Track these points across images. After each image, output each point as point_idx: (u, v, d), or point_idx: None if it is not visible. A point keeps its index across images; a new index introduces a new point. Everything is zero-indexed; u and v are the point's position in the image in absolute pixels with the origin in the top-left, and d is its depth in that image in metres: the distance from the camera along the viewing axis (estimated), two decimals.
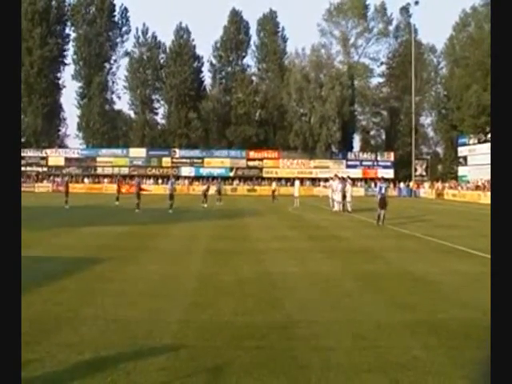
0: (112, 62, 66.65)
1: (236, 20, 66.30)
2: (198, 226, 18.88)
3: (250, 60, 68.49)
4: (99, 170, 61.17)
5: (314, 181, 59.30)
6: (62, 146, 65.38)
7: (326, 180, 44.21)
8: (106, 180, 59.13)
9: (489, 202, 39.63)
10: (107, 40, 65.15)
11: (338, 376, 4.53)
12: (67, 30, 65.70)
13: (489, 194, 41.59)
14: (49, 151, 61.38)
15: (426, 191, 54.92)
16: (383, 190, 20.39)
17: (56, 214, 23.73)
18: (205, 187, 32.64)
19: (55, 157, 61.65)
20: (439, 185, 53.87)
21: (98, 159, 61.59)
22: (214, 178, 54.08)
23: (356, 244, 14.23)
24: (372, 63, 66.64)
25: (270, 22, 66.79)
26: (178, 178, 60.46)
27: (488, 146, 49.95)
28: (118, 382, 4.36)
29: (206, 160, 61.38)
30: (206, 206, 29.36)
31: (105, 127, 62.98)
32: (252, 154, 61.29)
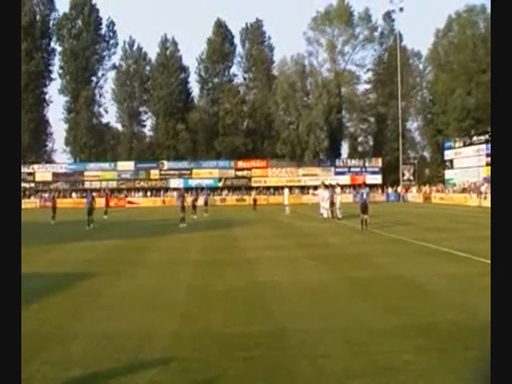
0: (99, 75, 66.64)
1: (221, 31, 66.64)
2: (188, 238, 18.81)
3: (236, 70, 68.84)
4: (87, 185, 60.77)
5: (303, 189, 59.42)
6: (50, 161, 64.97)
7: (315, 188, 44.46)
8: (94, 194, 58.62)
9: (475, 204, 40.08)
10: (94, 54, 65.09)
11: (330, 382, 4.53)
12: (53, 44, 65.63)
13: (474, 196, 42.02)
14: (36, 167, 60.91)
15: (413, 195, 55.31)
16: (364, 196, 20.75)
17: (43, 230, 23.52)
18: (192, 198, 32.51)
19: (42, 172, 61.21)
20: (427, 189, 54.30)
21: (86, 173, 61.29)
22: (202, 188, 53.95)
23: (345, 250, 14.27)
24: (358, 70, 67.23)
25: (255, 32, 67.24)
26: (166, 190, 60.42)
27: (472, 148, 50.62)
28: None
29: (194, 171, 61.34)
30: (195, 217, 29.19)
31: (92, 141, 62.78)
32: (240, 163, 61.38)
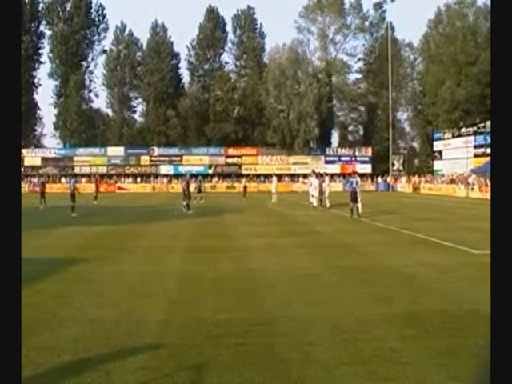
0: (89, 60, 65.82)
1: (213, 17, 66.12)
2: (178, 224, 18.81)
3: (227, 57, 68.43)
4: (77, 170, 60.44)
5: (293, 177, 59.56)
6: (39, 145, 64.33)
7: (305, 176, 44.59)
8: (83, 179, 58.42)
9: (463, 195, 40.49)
10: (84, 38, 64.18)
11: (317, 370, 4.59)
12: (42, 28, 64.58)
13: (462, 187, 42.42)
14: (25, 151, 60.14)
15: (403, 185, 55.69)
16: (354, 185, 20.68)
17: (33, 215, 23.35)
18: (183, 184, 32.38)
19: (31, 157, 60.64)
20: (416, 179, 54.70)
21: (76, 158, 60.87)
22: (193, 175, 53.83)
23: (334, 238, 14.37)
24: (349, 59, 67.28)
25: (247, 19, 66.77)
26: (157, 176, 60.27)
27: (461, 140, 50.99)
28: (98, 382, 4.32)
29: (184, 158, 61.19)
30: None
31: (82, 126, 62.26)
32: (231, 151, 61.31)
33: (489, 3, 57.90)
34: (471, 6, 58.06)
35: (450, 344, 5.25)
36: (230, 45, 67.56)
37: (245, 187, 41.25)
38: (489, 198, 31.64)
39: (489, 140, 46.70)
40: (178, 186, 49.47)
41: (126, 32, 66.22)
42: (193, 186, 36.94)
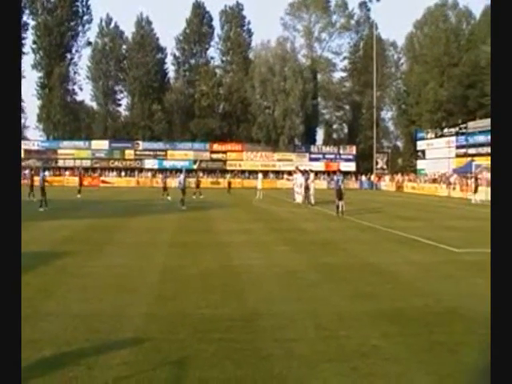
0: (73, 51, 64.83)
1: (199, 12, 65.73)
2: (162, 219, 18.74)
3: (213, 52, 68.12)
4: (60, 163, 59.67)
5: (278, 173, 59.67)
6: (22, 137, 63.29)
7: (290, 173, 44.70)
8: (67, 173, 57.78)
9: (445, 194, 40.99)
10: (68, 30, 63.21)
11: (300, 366, 4.63)
12: (25, 18, 63.34)
13: (444, 186, 42.95)
14: None
15: (386, 184, 56.17)
16: (340, 182, 20.95)
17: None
18: (165, 180, 32.90)
19: None
20: (399, 178, 55.18)
21: (59, 151, 60.03)
22: (178, 169, 53.57)
23: (318, 236, 14.44)
24: (335, 57, 67.53)
25: (235, 15, 66.48)
26: (141, 170, 59.86)
27: (443, 140, 51.62)
28: (80, 377, 4.31)
29: (169, 152, 60.89)
30: (170, 198, 29.16)
31: (66, 118, 61.35)
32: (215, 146, 61.19)
33: (470, 6, 58.75)
34: (453, 9, 58.72)
35: (430, 341, 5.35)
36: (216, 40, 67.29)
37: (229, 183, 41.31)
38: (469, 197, 32.13)
39: (470, 141, 47.44)
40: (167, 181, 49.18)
41: (112, 25, 65.46)
42: (176, 181, 37.04)
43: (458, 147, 49.64)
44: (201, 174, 58.44)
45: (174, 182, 36.00)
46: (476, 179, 33.38)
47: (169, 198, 29.16)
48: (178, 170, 52.28)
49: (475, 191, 31.83)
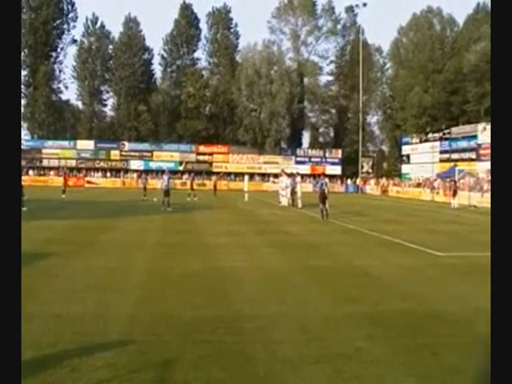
0: (59, 50, 64.15)
1: (187, 14, 65.59)
2: (147, 220, 18.65)
3: (200, 54, 68.06)
4: (45, 162, 58.99)
5: (264, 176, 59.76)
6: None
7: (276, 176, 44.79)
8: (51, 172, 57.14)
9: (428, 198, 41.42)
10: (54, 28, 62.57)
11: (284, 368, 4.65)
12: None
13: (428, 191, 43.41)
14: None
15: (371, 188, 56.58)
16: (323, 186, 21.06)
17: None
18: (145, 181, 33.45)
19: None
20: (384, 182, 55.66)
21: (44, 151, 59.30)
22: (163, 171, 53.28)
23: (303, 239, 14.50)
24: (321, 61, 67.76)
25: (222, 17, 66.47)
26: (127, 171, 59.47)
27: (428, 145, 52.25)
28: (63, 379, 4.26)
29: (155, 154, 60.67)
30: (156, 199, 29.07)
31: (51, 118, 60.61)
32: (202, 148, 61.10)
33: (454, 14, 59.57)
34: (438, 16, 59.50)
35: (413, 343, 5.42)
36: (203, 42, 67.23)
37: (215, 185, 41.33)
38: (452, 201, 32.51)
39: (453, 146, 48.10)
40: (149, 182, 48.96)
41: (98, 24, 65.01)
42: (159, 183, 37.10)
43: (441, 152, 50.29)
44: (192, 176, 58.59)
45: (159, 184, 35.85)
46: (455, 183, 33.82)
47: (155, 199, 28.96)
48: (162, 172, 52.18)
49: (454, 195, 32.25)
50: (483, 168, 41.65)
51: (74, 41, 64.21)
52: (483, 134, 42.56)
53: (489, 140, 40.99)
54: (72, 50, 64.71)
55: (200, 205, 28.08)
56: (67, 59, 65.70)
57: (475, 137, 44.35)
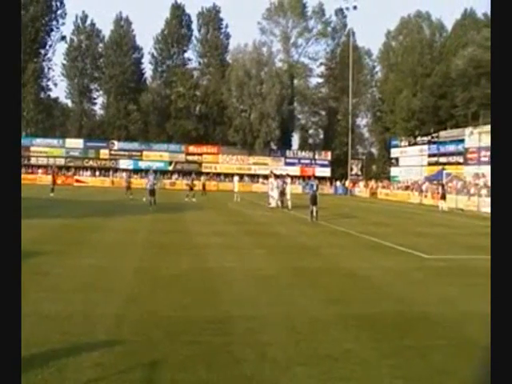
0: (47, 47, 63.54)
1: (178, 14, 65.43)
2: (136, 220, 18.55)
3: (191, 54, 67.87)
4: (33, 161, 58.39)
5: (253, 177, 59.78)
6: None
7: (265, 177, 44.84)
8: (40, 171, 56.60)
9: (417, 201, 41.70)
10: (43, 25, 61.97)
11: (272, 369, 4.65)
12: None
13: (416, 194, 43.72)
14: None
15: (360, 190, 56.82)
16: (314, 188, 21.20)
17: None
18: (129, 179, 33.64)
19: None
20: (373, 184, 55.92)
21: (32, 149, 58.60)
22: (147, 171, 53.04)
23: (293, 240, 14.53)
24: (311, 63, 68.00)
25: (212, 17, 66.40)
26: (116, 170, 59.14)
27: (416, 148, 52.67)
28: (49, 380, 4.23)
29: (144, 153, 60.39)
30: (131, 197, 29.47)
31: (40, 116, 60.01)
32: (191, 148, 60.94)
33: (442, 18, 60.13)
34: (427, 20, 59.97)
35: (400, 345, 5.45)
36: (194, 42, 67.10)
37: (203, 185, 41.24)
38: (440, 204, 32.77)
39: (441, 150, 48.53)
40: (137, 182, 48.83)
41: (88, 22, 64.60)
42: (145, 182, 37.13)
43: (429, 156, 50.71)
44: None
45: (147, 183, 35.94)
46: (443, 187, 34.13)
47: (144, 199, 28.85)
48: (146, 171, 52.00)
49: (441, 198, 32.55)
50: (470, 172, 42.10)
51: (63, 38, 63.66)
52: (470, 138, 42.99)
53: (475, 144, 41.56)
54: (61, 48, 64.07)
55: (190, 205, 28.00)
56: (56, 57, 65.34)
57: (462, 141, 44.78)
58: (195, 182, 37.08)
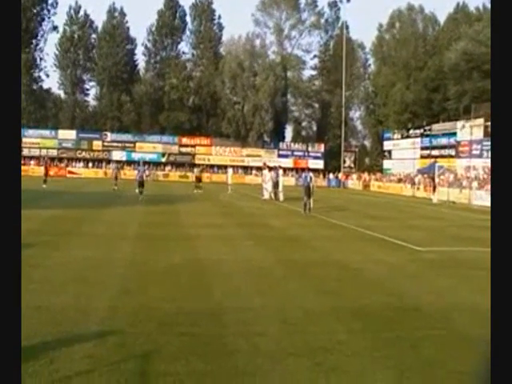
0: (39, 37, 62.83)
1: (171, 5, 64.98)
2: (129, 211, 18.49)
3: (184, 46, 67.48)
4: (25, 152, 57.76)
5: (246, 169, 59.74)
6: None
7: (258, 168, 44.79)
8: (32, 162, 56.17)
9: (409, 193, 41.88)
10: (35, 15, 61.21)
11: (265, 361, 4.65)
12: None
13: (409, 186, 43.90)
14: None
15: (353, 182, 56.97)
16: (309, 180, 21.09)
17: None
18: (116, 170, 33.90)
19: None
20: (366, 176, 56.07)
21: (24, 140, 57.90)
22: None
23: (286, 232, 14.55)
24: (305, 55, 67.80)
25: (205, 9, 66.00)
26: (109, 161, 58.83)
27: (409, 141, 52.83)
28: (40, 371, 4.20)
29: (137, 145, 60.09)
30: (116, 188, 30.07)
31: (32, 106, 59.41)
32: (184, 140, 60.72)
33: (435, 12, 60.03)
34: (420, 13, 59.88)
35: (392, 336, 5.47)
36: (187, 34, 66.70)
37: (196, 177, 40.89)
38: (432, 197, 32.95)
39: (434, 142, 48.69)
40: (130, 173, 48.72)
41: (81, 13, 64.00)
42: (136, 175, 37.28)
43: (422, 148, 50.87)
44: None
45: (144, 175, 35.91)
46: (433, 180, 34.27)
47: (136, 190, 28.77)
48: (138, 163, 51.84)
49: (433, 191, 32.66)
50: (462, 164, 42.30)
51: (55, 28, 62.87)
52: (462, 131, 43.15)
53: (467, 137, 41.71)
54: (53, 38, 63.40)
55: (183, 197, 27.93)
56: (48, 47, 64.64)
57: (455, 134, 44.93)
58: (188, 174, 37.11)
